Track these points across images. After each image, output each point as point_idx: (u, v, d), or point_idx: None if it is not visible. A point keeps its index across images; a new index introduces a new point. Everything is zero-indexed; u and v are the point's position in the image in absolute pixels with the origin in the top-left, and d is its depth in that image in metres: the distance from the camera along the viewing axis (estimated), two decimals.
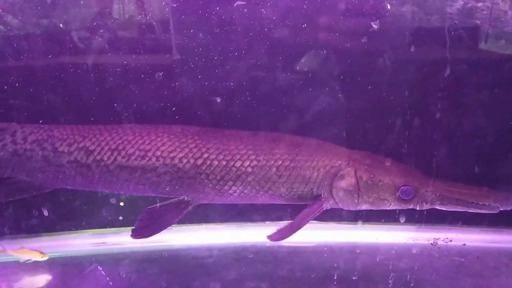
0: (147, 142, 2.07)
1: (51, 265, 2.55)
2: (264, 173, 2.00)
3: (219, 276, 2.46)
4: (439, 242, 2.68)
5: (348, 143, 2.25)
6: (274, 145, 2.07)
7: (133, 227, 2.03)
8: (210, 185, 2.01)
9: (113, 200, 2.58)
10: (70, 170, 2.08)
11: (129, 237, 2.07)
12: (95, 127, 2.19)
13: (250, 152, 2.04)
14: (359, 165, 2.03)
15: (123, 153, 2.05)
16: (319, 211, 1.98)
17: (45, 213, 2.56)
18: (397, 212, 2.25)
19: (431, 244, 2.68)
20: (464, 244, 2.76)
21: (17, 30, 2.43)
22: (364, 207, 2.00)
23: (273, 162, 2.02)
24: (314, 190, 2.01)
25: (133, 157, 2.04)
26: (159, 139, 2.08)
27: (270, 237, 1.98)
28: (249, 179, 2.00)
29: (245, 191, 2.01)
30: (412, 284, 2.34)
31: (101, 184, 2.10)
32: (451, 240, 2.72)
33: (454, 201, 1.96)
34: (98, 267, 2.52)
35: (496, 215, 2.14)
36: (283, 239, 1.97)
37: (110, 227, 2.81)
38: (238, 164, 2.01)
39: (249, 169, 2.01)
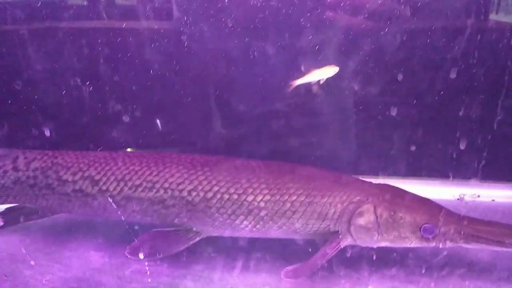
0: (154, 173, 1.95)
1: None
2: (277, 208, 1.87)
3: None
4: (466, 198, 2.58)
5: None
6: (289, 178, 1.90)
7: (131, 244, 1.97)
8: (221, 219, 1.90)
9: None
10: (75, 199, 1.98)
11: None
12: (100, 154, 2.07)
13: (263, 185, 1.88)
14: (379, 201, 1.86)
15: (129, 184, 1.94)
16: (336, 249, 1.88)
17: (47, 133, 2.35)
18: None
19: (458, 199, 2.59)
20: (493, 200, 2.67)
21: None
22: (383, 244, 1.88)
23: (287, 197, 1.86)
24: (330, 226, 1.88)
25: (140, 189, 1.93)
26: (167, 170, 1.95)
27: (285, 274, 1.88)
28: (261, 214, 1.87)
29: (258, 226, 1.90)
30: None
31: (107, 213, 2.02)
32: (479, 196, 2.62)
33: (480, 240, 1.83)
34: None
35: None
36: (298, 278, 1.88)
37: None
38: (250, 198, 1.87)
39: (262, 204, 1.87)
